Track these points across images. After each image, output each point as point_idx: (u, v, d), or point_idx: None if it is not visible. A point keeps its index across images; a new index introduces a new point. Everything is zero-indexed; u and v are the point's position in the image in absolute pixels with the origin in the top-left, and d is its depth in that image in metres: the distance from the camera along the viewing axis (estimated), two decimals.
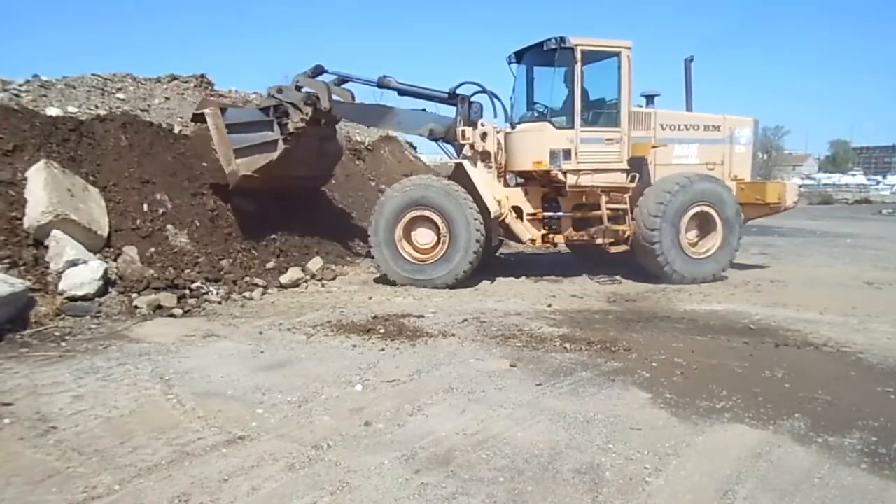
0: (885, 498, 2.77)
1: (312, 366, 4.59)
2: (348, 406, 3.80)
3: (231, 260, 7.44)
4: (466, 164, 8.37)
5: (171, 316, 5.97)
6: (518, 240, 8.95)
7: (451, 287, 7.85)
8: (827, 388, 4.15)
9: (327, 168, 9.98)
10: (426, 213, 8.04)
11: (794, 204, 9.65)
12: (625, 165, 8.52)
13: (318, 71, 8.69)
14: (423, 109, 8.97)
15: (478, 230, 7.94)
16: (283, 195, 9.10)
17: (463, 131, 8.48)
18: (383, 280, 8.13)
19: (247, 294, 6.99)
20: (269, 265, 7.91)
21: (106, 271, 6.06)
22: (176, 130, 8.76)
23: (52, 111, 7.56)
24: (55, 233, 6.04)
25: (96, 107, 8.27)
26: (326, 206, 10.60)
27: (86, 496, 2.71)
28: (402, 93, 8.88)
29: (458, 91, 8.69)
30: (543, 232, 8.74)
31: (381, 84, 8.73)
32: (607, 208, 8.33)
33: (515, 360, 4.72)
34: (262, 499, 2.74)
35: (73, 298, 5.73)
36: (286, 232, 8.84)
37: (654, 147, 8.57)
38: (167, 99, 9.63)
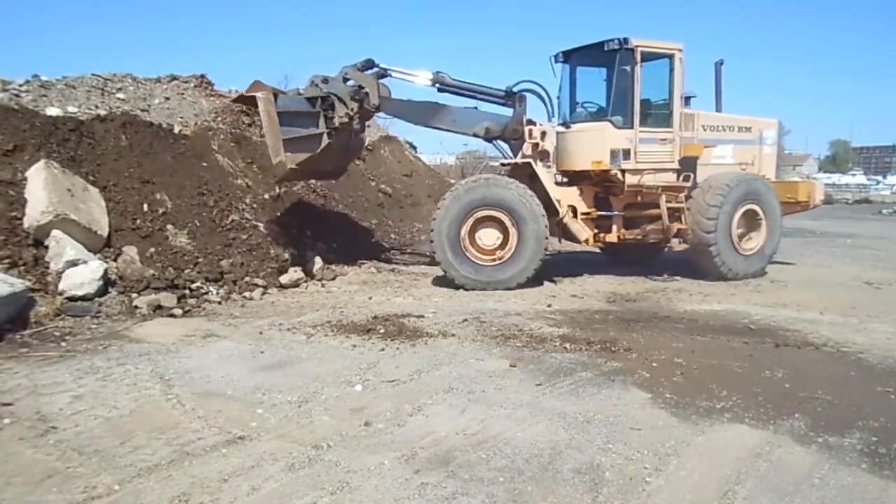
0: (885, 498, 2.77)
1: (312, 366, 4.59)
2: (348, 406, 3.80)
3: (231, 260, 7.44)
4: (534, 163, 8.31)
5: (171, 316, 5.97)
6: (574, 239, 8.87)
7: (514, 288, 7.75)
8: (827, 388, 4.15)
9: (348, 161, 9.87)
10: (493, 212, 7.89)
11: (821, 202, 10.14)
12: (676, 165, 8.67)
13: (369, 65, 8.39)
14: (475, 108, 8.82)
15: (545, 230, 7.92)
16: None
17: (530, 130, 8.47)
18: (446, 282, 7.85)
19: (247, 294, 6.98)
20: (270, 265, 7.90)
21: (106, 271, 6.06)
22: (176, 130, 8.75)
23: (52, 111, 7.56)
24: (55, 233, 6.04)
25: (96, 107, 8.26)
26: (327, 206, 10.60)
27: (86, 496, 2.71)
28: (457, 89, 8.69)
29: (514, 90, 8.64)
30: (595, 231, 8.75)
31: (435, 80, 8.52)
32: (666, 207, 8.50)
33: (515, 360, 4.72)
34: (262, 499, 2.74)
35: (73, 298, 5.72)
36: (287, 232, 8.84)
37: (706, 147, 8.83)
38: (167, 99, 9.63)
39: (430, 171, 15.61)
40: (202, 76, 10.94)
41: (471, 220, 7.86)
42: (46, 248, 6.03)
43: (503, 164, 8.89)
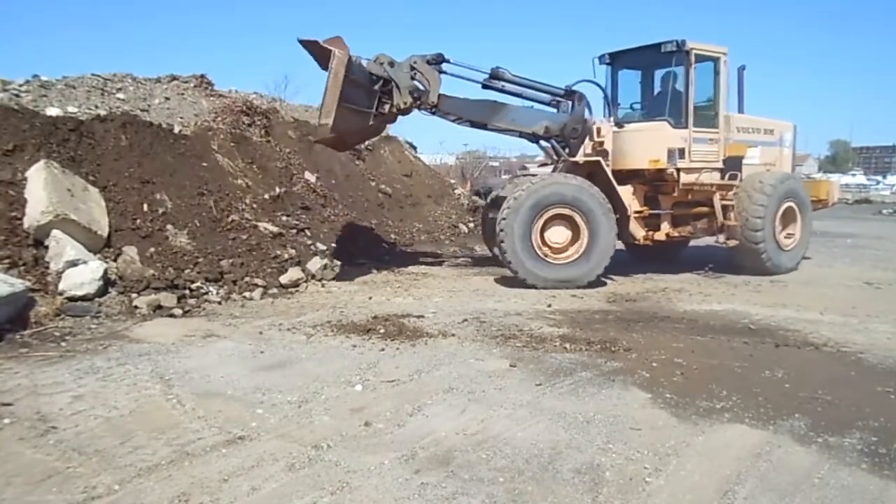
0: (885, 498, 2.77)
1: (312, 366, 4.58)
2: (348, 406, 3.80)
3: (231, 260, 7.44)
4: (603, 162, 8.36)
5: (171, 316, 5.97)
6: (631, 238, 8.87)
7: (584, 287, 7.83)
8: (827, 388, 4.15)
9: (364, 140, 9.74)
10: (565, 211, 7.90)
11: (838, 200, 11.06)
12: (720, 165, 8.97)
13: (438, 59, 8.21)
14: (531, 106, 8.81)
15: (615, 228, 8.03)
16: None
17: (598, 129, 8.53)
18: (505, 283, 7.77)
19: (247, 294, 6.98)
20: (270, 265, 7.90)
21: (106, 271, 6.06)
22: (176, 130, 8.75)
23: (52, 111, 7.56)
24: (55, 233, 6.04)
25: (96, 107, 8.27)
26: (327, 206, 10.59)
27: (86, 496, 2.71)
28: (518, 86, 8.64)
29: (574, 88, 8.69)
30: (645, 230, 8.84)
31: (495, 75, 8.43)
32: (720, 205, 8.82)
33: (515, 360, 4.72)
34: (262, 499, 2.74)
35: (73, 298, 5.72)
36: (287, 232, 8.84)
37: (749, 148, 9.23)
38: (167, 99, 9.63)
39: (430, 171, 15.59)
40: (202, 76, 10.95)
41: (542, 219, 7.85)
42: (46, 248, 6.03)
43: (557, 163, 8.79)
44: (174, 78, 10.58)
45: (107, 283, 6.05)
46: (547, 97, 8.66)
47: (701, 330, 5.79)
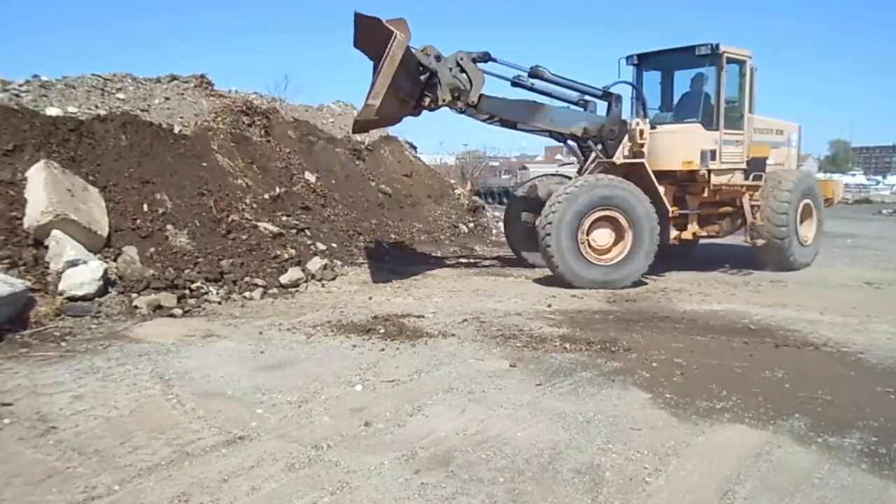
0: (885, 498, 2.77)
1: (312, 366, 4.58)
2: (348, 406, 3.80)
3: (231, 260, 7.44)
4: (647, 163, 8.43)
5: (171, 316, 5.97)
6: (665, 239, 8.85)
7: (628, 287, 7.89)
8: (827, 388, 4.15)
9: (382, 126, 9.82)
10: (610, 213, 7.94)
11: (841, 199, 11.64)
12: (744, 166, 9.19)
13: (484, 58, 8.12)
14: (567, 107, 8.81)
15: (657, 229, 8.08)
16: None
17: (641, 131, 8.54)
18: (543, 283, 7.75)
19: (247, 294, 6.98)
20: (270, 265, 7.90)
21: (106, 271, 6.06)
22: (176, 130, 8.76)
23: (52, 111, 7.56)
24: (55, 233, 6.04)
25: (96, 107, 8.27)
26: (327, 206, 10.59)
27: (86, 496, 2.71)
28: (557, 85, 8.64)
29: (611, 90, 8.74)
30: (674, 230, 8.94)
31: (534, 74, 8.37)
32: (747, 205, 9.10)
33: (515, 360, 4.72)
34: (262, 499, 2.74)
35: (73, 298, 5.72)
36: (287, 232, 8.84)
37: (772, 149, 9.56)
38: (167, 99, 9.64)
39: (430, 171, 15.59)
40: (202, 76, 10.96)
41: (588, 221, 7.88)
42: (46, 248, 6.03)
43: (606, 163, 8.74)
44: (174, 78, 10.58)
45: (107, 283, 6.05)
46: (574, 97, 8.67)
47: (701, 330, 5.79)
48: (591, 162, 8.73)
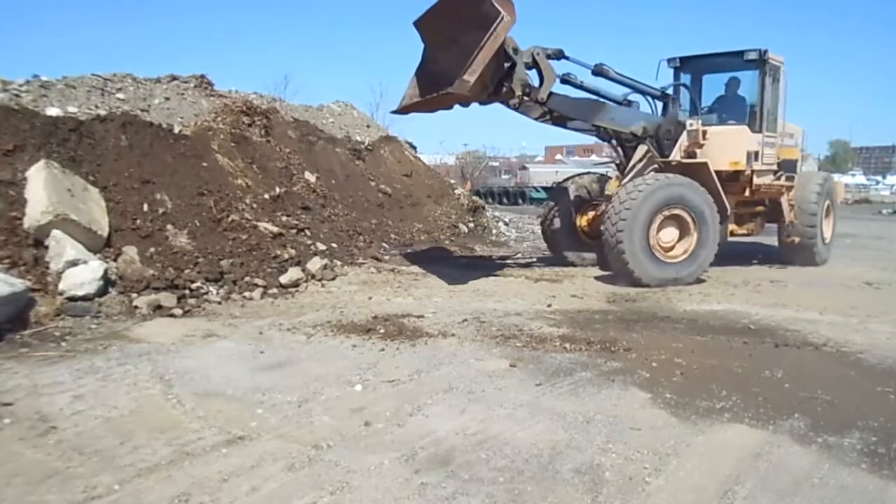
0: (885, 498, 2.78)
1: (312, 366, 4.58)
2: (348, 406, 3.80)
3: (231, 260, 7.44)
4: (711, 164, 8.66)
5: (171, 316, 5.97)
6: (724, 237, 9.16)
7: (692, 284, 8.13)
8: (827, 388, 4.15)
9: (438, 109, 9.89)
10: (677, 211, 8.10)
11: (842, 199, 12.44)
12: (776, 167, 9.72)
13: (558, 55, 8.05)
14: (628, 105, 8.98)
15: (719, 228, 8.36)
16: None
17: (704, 131, 8.79)
18: (605, 280, 7.90)
19: (247, 294, 6.98)
20: (270, 265, 7.90)
21: (106, 271, 6.06)
22: (176, 130, 8.75)
23: (52, 111, 7.55)
24: (55, 233, 6.04)
25: (96, 107, 8.26)
26: (327, 206, 10.59)
27: (86, 496, 2.71)
28: (619, 84, 8.80)
29: (668, 91, 9.06)
30: None
31: (597, 72, 8.46)
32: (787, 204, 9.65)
33: (515, 360, 4.72)
34: (262, 499, 2.74)
35: (73, 298, 5.72)
36: (287, 232, 8.84)
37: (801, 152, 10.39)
38: (167, 99, 9.63)
39: (430, 171, 15.61)
40: (202, 76, 10.93)
41: (658, 220, 8.01)
42: (46, 248, 6.03)
43: (660, 162, 8.93)
44: (174, 78, 10.56)
45: (107, 283, 6.05)
46: (620, 96, 8.79)
47: (701, 330, 5.79)
48: (640, 161, 8.87)
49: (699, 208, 8.16)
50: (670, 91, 9.32)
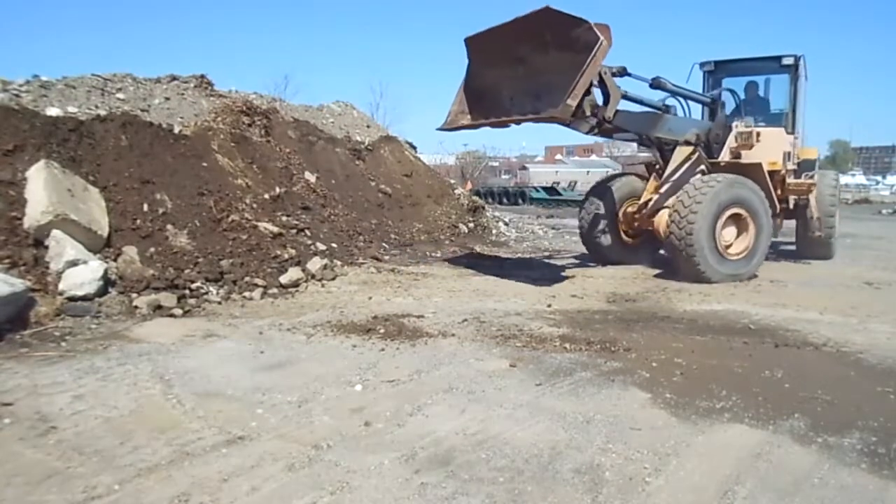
0: (885, 498, 2.78)
1: (312, 366, 4.58)
2: (348, 406, 3.80)
3: (231, 260, 7.44)
4: (764, 164, 9.15)
5: (171, 316, 5.97)
6: (775, 234, 9.97)
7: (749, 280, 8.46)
8: (827, 388, 4.15)
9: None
10: (737, 210, 8.43)
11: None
12: (796, 167, 10.19)
13: (622, 72, 8.12)
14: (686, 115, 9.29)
15: (772, 225, 8.94)
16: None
17: (758, 133, 9.22)
18: (664, 277, 8.29)
19: (247, 294, 6.98)
20: (270, 265, 7.90)
21: (106, 271, 6.06)
22: (176, 130, 8.76)
23: (52, 111, 7.56)
24: (55, 233, 6.04)
25: (96, 107, 8.27)
26: (327, 206, 10.59)
27: (86, 496, 2.71)
28: (676, 95, 9.04)
29: (716, 97, 9.50)
30: None
31: (655, 85, 8.64)
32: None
33: (515, 360, 4.72)
34: (262, 499, 2.74)
35: (73, 298, 5.72)
36: (287, 232, 8.84)
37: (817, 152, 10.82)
38: (167, 99, 9.63)
39: (430, 171, 15.60)
40: (202, 76, 10.94)
41: (723, 219, 8.31)
42: (46, 248, 6.03)
43: (716, 164, 9.21)
44: (174, 78, 10.57)
45: (107, 283, 6.05)
46: (657, 101, 8.93)
47: (700, 330, 5.79)
48: (683, 163, 9.13)
49: (755, 207, 8.53)
50: (719, 97, 9.72)
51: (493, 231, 14.38)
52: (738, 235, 8.57)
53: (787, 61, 9.69)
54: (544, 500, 2.74)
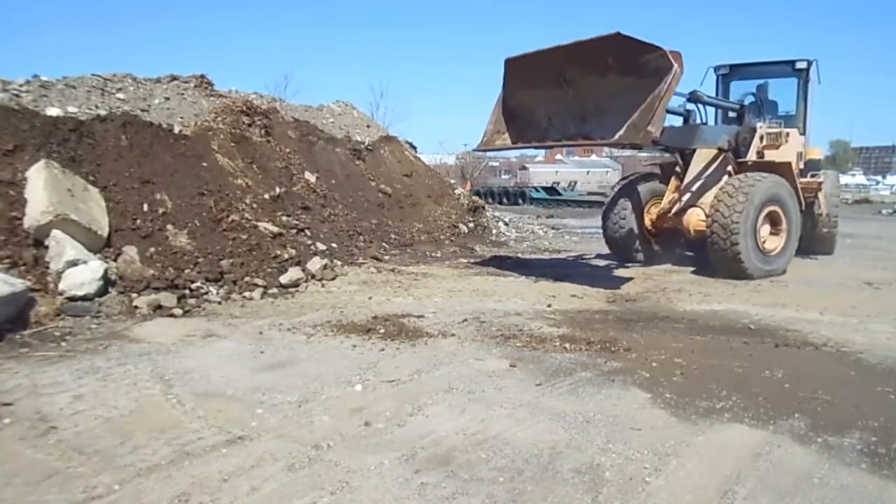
0: (885, 498, 2.78)
1: (312, 366, 4.58)
2: (348, 406, 3.80)
3: (231, 260, 7.44)
4: (794, 164, 9.61)
5: (171, 316, 5.97)
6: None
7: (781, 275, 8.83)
8: (827, 388, 4.15)
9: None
10: (774, 208, 8.84)
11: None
12: (802, 166, 10.48)
13: (696, 99, 8.74)
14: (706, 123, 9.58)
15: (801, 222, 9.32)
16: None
17: (787, 133, 9.78)
18: (703, 275, 8.41)
19: (247, 294, 6.98)
20: (270, 265, 7.90)
21: (106, 271, 6.06)
22: (176, 130, 8.76)
23: (52, 111, 7.56)
24: (55, 233, 6.04)
25: (96, 107, 8.27)
26: (327, 206, 10.60)
27: (86, 496, 2.71)
28: (710, 106, 9.45)
29: (745, 103, 9.87)
30: None
31: (693, 98, 8.87)
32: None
33: (515, 360, 4.72)
34: (262, 499, 2.74)
35: (73, 298, 5.72)
36: (287, 232, 8.84)
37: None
38: (167, 99, 9.64)
39: (430, 171, 15.60)
40: (202, 76, 10.95)
41: (761, 216, 8.65)
42: (46, 248, 6.03)
43: (743, 163, 9.46)
44: (174, 78, 10.58)
45: (107, 283, 6.05)
46: (677, 107, 9.07)
47: (701, 330, 5.79)
48: (710, 164, 9.42)
49: (788, 204, 8.96)
50: (746, 103, 10.04)
51: (493, 231, 14.39)
52: (771, 232, 8.92)
53: (801, 65, 10.12)
54: (544, 500, 2.74)
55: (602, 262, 10.56)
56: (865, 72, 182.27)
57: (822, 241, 10.88)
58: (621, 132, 7.34)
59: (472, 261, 10.37)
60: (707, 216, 8.78)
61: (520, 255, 11.58)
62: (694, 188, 9.47)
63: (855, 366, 4.72)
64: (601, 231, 10.97)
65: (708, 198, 9.04)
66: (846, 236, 14.33)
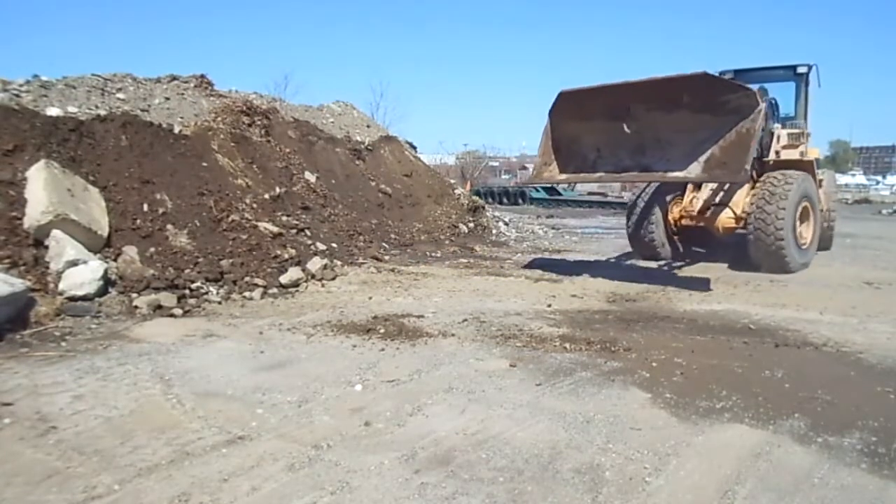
0: (885, 498, 2.78)
1: (312, 366, 4.59)
2: (348, 406, 3.80)
3: (231, 260, 7.44)
4: (815, 164, 10.14)
5: (171, 316, 5.97)
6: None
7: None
8: (827, 388, 4.15)
9: None
10: (806, 203, 9.37)
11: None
12: None
13: None
14: None
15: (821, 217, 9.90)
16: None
17: (808, 134, 10.39)
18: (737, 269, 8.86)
19: (247, 294, 6.98)
20: (270, 265, 7.90)
21: (106, 271, 6.06)
22: (176, 130, 8.76)
23: (52, 111, 7.56)
24: (55, 233, 6.04)
25: (96, 107, 8.27)
26: (327, 206, 10.60)
27: (86, 496, 2.71)
28: None
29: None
30: None
31: None
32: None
33: (515, 360, 4.72)
34: (262, 499, 2.74)
35: (73, 298, 5.72)
36: (287, 232, 8.84)
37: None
38: (167, 99, 9.64)
39: (430, 171, 15.61)
40: (202, 76, 10.95)
41: (798, 212, 9.11)
42: (46, 248, 6.03)
43: (765, 162, 9.78)
44: (174, 78, 10.58)
45: (107, 283, 6.05)
46: None
47: (701, 330, 5.79)
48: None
49: (814, 200, 9.56)
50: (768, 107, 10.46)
51: (493, 231, 14.40)
52: (803, 226, 9.42)
53: (801, 70, 10.51)
54: (544, 500, 2.74)
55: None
56: (865, 72, 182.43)
57: (822, 236, 10.95)
58: (717, 172, 7.62)
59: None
60: (736, 215, 9.34)
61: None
62: (727, 188, 9.80)
63: (855, 366, 4.72)
64: (625, 230, 11.14)
65: (738, 197, 9.51)
66: (846, 236, 14.32)
